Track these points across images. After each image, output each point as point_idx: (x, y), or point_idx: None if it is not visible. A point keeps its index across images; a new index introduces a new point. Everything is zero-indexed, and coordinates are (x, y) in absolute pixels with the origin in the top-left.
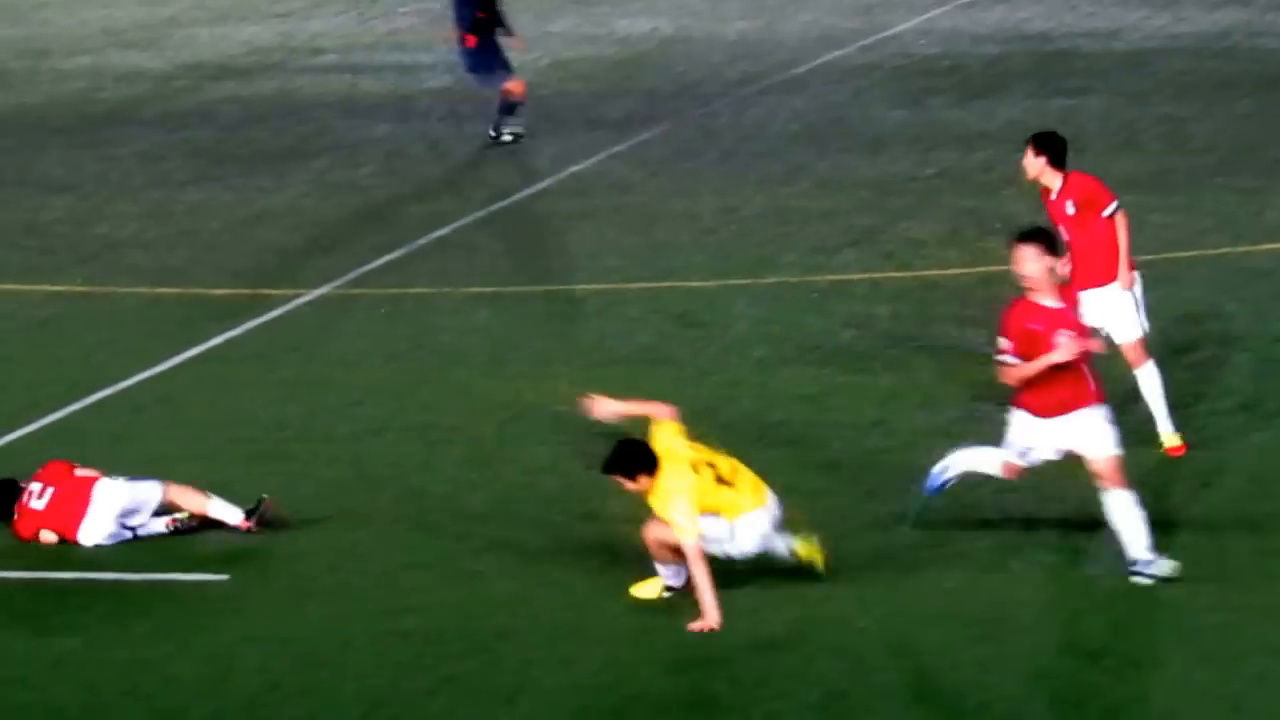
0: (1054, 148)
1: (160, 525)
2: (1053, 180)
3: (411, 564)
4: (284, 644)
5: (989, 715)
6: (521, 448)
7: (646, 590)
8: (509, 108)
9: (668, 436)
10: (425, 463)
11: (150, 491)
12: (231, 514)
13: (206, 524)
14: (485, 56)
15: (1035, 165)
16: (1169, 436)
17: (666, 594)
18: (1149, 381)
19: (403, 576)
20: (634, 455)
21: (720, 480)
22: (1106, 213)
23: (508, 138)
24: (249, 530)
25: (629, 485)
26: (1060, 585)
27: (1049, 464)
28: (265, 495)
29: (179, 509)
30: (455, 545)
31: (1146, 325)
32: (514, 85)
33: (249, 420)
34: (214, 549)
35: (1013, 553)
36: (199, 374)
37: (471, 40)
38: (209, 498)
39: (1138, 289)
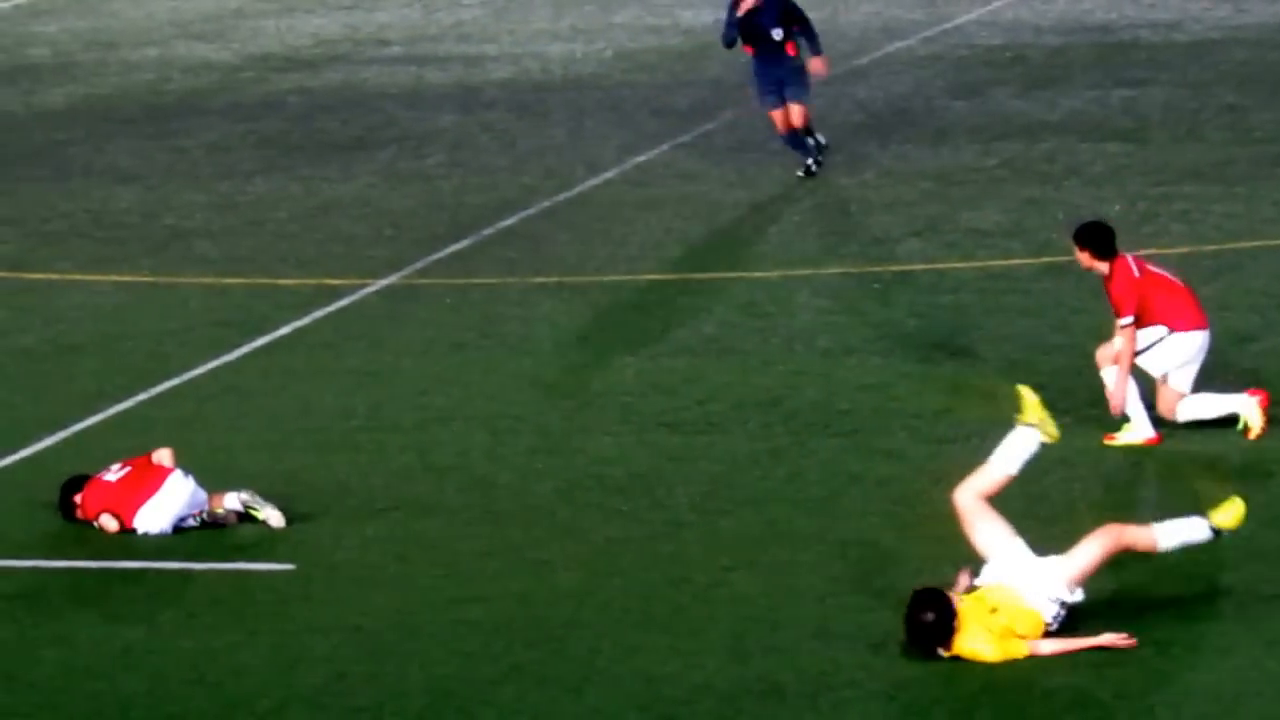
0: (1093, 240)
1: (191, 518)
2: (1103, 269)
3: (478, 553)
4: (351, 633)
5: (1055, 702)
6: (588, 437)
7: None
8: (795, 141)
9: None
10: (492, 452)
11: (202, 496)
12: (232, 501)
13: (239, 517)
14: (755, 73)
15: (1083, 259)
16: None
17: None
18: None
19: (469, 566)
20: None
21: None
22: (1121, 324)
23: (808, 169)
24: (230, 511)
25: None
26: (1128, 573)
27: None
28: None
29: (216, 507)
30: (522, 534)
31: (1188, 389)
32: (775, 115)
33: (316, 409)
34: (280, 538)
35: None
36: (266, 363)
37: (748, 49)
38: (225, 493)
39: (1191, 353)
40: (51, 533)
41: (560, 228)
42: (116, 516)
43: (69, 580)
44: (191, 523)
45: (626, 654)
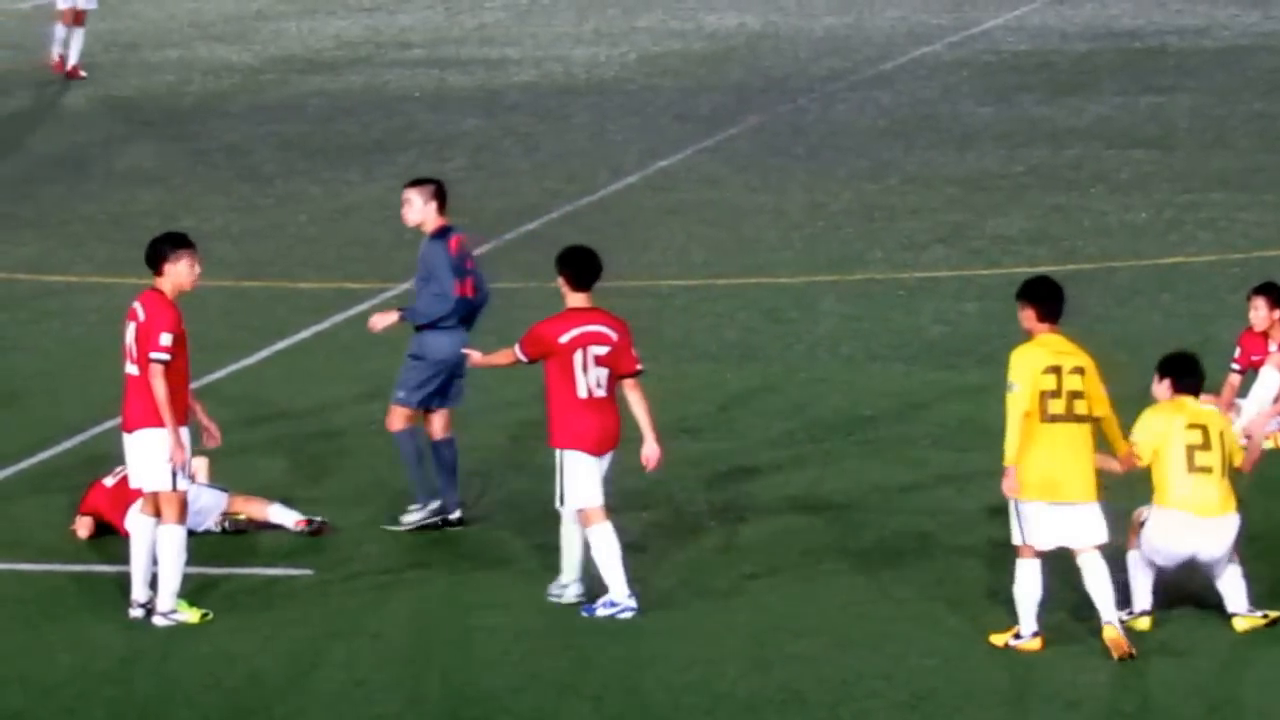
0: None
1: (211, 524)
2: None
3: (498, 560)
4: (369, 639)
5: (1079, 714)
6: None
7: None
8: None
9: None
10: (511, 457)
11: (212, 499)
12: (289, 517)
13: (257, 526)
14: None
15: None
16: None
17: None
18: None
19: (489, 572)
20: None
21: None
22: None
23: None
24: (299, 530)
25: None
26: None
27: None
28: (325, 520)
29: (240, 515)
30: (542, 541)
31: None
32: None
33: (335, 414)
34: (298, 543)
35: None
36: (286, 367)
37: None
38: (270, 504)
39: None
40: (67, 537)
41: (582, 232)
42: (99, 520)
43: (85, 584)
44: (212, 528)
45: (647, 662)
